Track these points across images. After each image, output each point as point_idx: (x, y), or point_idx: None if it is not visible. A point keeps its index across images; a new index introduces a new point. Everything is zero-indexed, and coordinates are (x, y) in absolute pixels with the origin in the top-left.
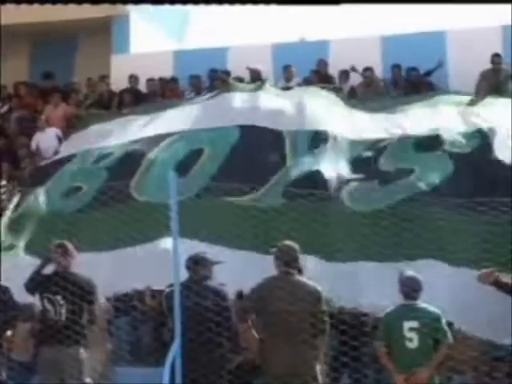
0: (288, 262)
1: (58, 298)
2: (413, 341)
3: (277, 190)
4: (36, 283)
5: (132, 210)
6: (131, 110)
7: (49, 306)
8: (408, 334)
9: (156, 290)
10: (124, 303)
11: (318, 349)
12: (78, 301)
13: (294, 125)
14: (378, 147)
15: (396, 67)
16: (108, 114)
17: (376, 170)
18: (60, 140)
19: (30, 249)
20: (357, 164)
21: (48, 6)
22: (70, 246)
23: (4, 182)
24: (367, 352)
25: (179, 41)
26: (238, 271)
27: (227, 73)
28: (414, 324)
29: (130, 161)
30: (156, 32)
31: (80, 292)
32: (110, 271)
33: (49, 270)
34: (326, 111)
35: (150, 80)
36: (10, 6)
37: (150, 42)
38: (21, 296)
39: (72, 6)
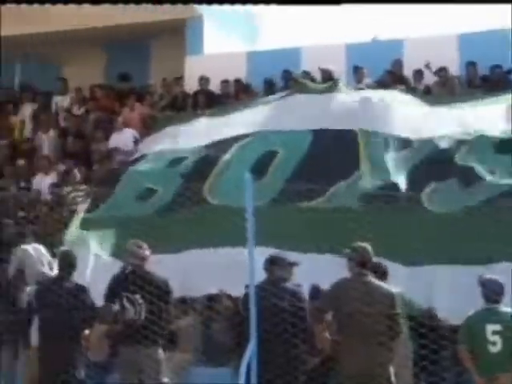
0: (362, 263)
1: (137, 297)
2: (496, 344)
3: (352, 191)
4: (117, 283)
5: (205, 213)
6: (205, 112)
7: (128, 305)
8: (491, 338)
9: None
10: (198, 303)
11: (393, 351)
12: (156, 300)
13: (366, 126)
14: (454, 145)
15: (471, 65)
16: (182, 115)
17: (454, 168)
18: (136, 141)
19: (106, 250)
20: (434, 163)
21: (122, 10)
22: (144, 245)
23: (83, 186)
24: (447, 355)
25: (252, 42)
26: (312, 276)
27: (307, 73)
28: (497, 327)
29: (204, 165)
30: (229, 33)
31: (158, 292)
32: (184, 274)
33: (126, 269)
34: (398, 111)
35: (224, 82)
36: (85, 10)
37: (223, 43)
38: (99, 296)
39: (146, 9)
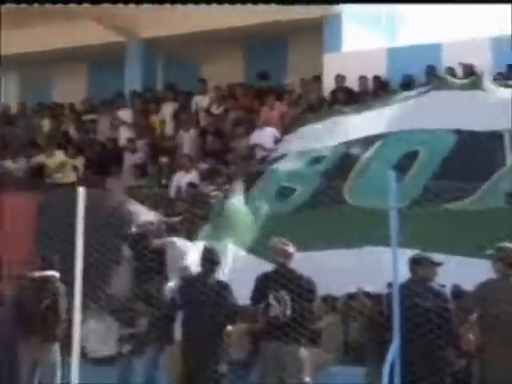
0: (509, 263)
1: (283, 294)
2: None
3: (498, 192)
4: (262, 281)
5: (345, 214)
6: (343, 110)
7: (274, 303)
8: None
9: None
10: (339, 302)
11: None
12: (300, 299)
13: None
14: None
15: None
16: (320, 114)
17: None
18: (276, 140)
19: (243, 246)
20: None
21: (260, 9)
22: (289, 244)
23: (225, 184)
24: None
25: (392, 38)
26: (455, 277)
27: (451, 69)
28: None
29: (343, 164)
30: (368, 30)
31: (302, 290)
32: (324, 272)
33: (269, 267)
34: None
35: (362, 78)
36: (224, 10)
37: (361, 40)
38: (241, 295)
39: (283, 8)
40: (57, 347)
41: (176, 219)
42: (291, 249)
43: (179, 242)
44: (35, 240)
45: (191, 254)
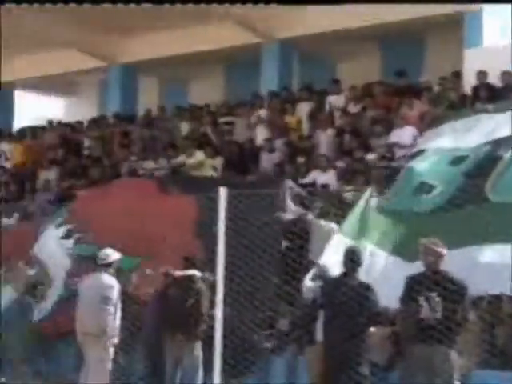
0: None
1: (434, 295)
2: None
3: None
4: (413, 282)
5: (488, 212)
6: (484, 108)
7: (424, 304)
8: None
9: None
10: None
11: None
12: (451, 302)
13: None
14: None
15: None
16: (461, 111)
17: None
18: (415, 140)
19: (383, 247)
20: None
21: (397, 6)
22: (440, 244)
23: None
24: None
25: None
26: None
27: None
28: None
29: (486, 164)
30: (508, 24)
31: (453, 293)
32: (467, 271)
33: (410, 269)
34: None
35: (505, 73)
36: (360, 9)
37: (502, 34)
38: (380, 297)
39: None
40: (199, 346)
41: (321, 204)
42: (444, 250)
43: (326, 224)
44: (192, 239)
45: (334, 241)
